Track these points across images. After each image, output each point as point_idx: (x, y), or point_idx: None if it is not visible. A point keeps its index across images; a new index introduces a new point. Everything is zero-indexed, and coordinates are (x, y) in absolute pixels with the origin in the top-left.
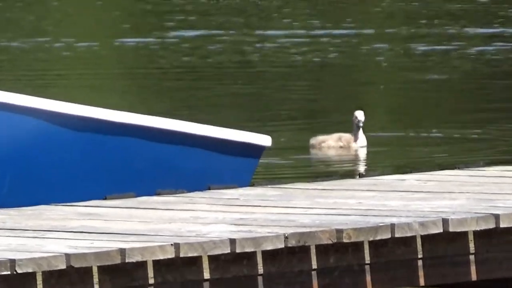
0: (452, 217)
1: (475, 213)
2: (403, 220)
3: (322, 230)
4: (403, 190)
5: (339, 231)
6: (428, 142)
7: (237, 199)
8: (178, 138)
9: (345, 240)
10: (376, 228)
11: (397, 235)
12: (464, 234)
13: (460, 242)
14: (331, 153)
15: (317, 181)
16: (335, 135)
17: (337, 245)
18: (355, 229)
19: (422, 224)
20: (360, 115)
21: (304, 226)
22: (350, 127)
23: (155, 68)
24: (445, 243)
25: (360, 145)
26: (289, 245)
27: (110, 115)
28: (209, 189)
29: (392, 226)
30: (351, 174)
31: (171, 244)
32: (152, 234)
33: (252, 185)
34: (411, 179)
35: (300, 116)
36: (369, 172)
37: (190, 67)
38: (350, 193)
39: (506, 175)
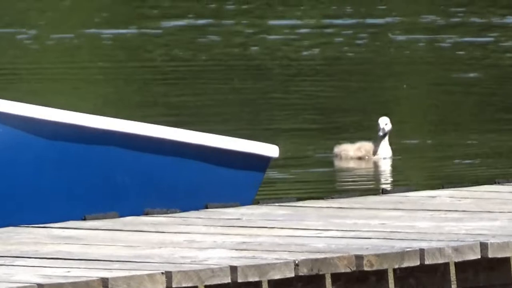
0: (492, 240)
1: None
2: (434, 244)
3: (339, 256)
4: (434, 209)
5: (359, 258)
6: (463, 152)
7: (239, 219)
8: (169, 148)
9: (366, 268)
10: (402, 254)
11: (427, 262)
12: (506, 260)
13: (501, 270)
14: (350, 165)
15: (333, 198)
16: (357, 144)
17: (357, 273)
18: (377, 255)
19: (456, 249)
20: (383, 122)
21: (318, 252)
22: (375, 134)
23: (137, 64)
24: (483, 272)
25: (382, 156)
26: (300, 273)
27: (89, 121)
28: (206, 207)
29: (422, 252)
30: (372, 190)
31: (162, 273)
32: (140, 261)
33: (257, 203)
34: (443, 196)
35: (312, 121)
36: (394, 188)
37: (178, 63)
38: (372, 212)
39: None
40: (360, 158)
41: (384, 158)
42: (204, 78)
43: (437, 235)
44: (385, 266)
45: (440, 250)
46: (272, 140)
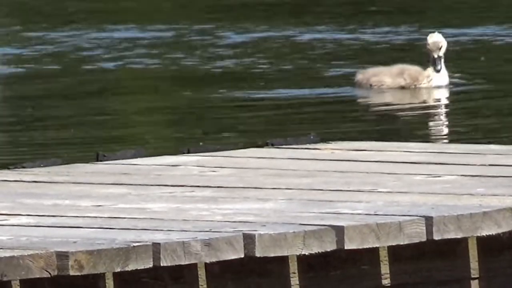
0: (262, 231)
1: None
2: (175, 236)
3: (32, 255)
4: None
5: (63, 256)
6: None
7: None
8: None
9: (73, 272)
10: (127, 251)
11: (164, 262)
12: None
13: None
14: (387, 97)
15: (41, 166)
16: (395, 68)
17: (61, 279)
18: (90, 253)
19: (208, 244)
20: (435, 40)
21: (9, 248)
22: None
23: None
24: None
25: (436, 83)
26: None
27: None
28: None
29: (156, 248)
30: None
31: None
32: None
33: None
34: (190, 164)
35: None
36: (119, 153)
37: None
38: (82, 188)
39: None
40: (402, 88)
41: (438, 87)
42: None
43: (180, 222)
44: (101, 269)
45: (183, 245)
46: None
